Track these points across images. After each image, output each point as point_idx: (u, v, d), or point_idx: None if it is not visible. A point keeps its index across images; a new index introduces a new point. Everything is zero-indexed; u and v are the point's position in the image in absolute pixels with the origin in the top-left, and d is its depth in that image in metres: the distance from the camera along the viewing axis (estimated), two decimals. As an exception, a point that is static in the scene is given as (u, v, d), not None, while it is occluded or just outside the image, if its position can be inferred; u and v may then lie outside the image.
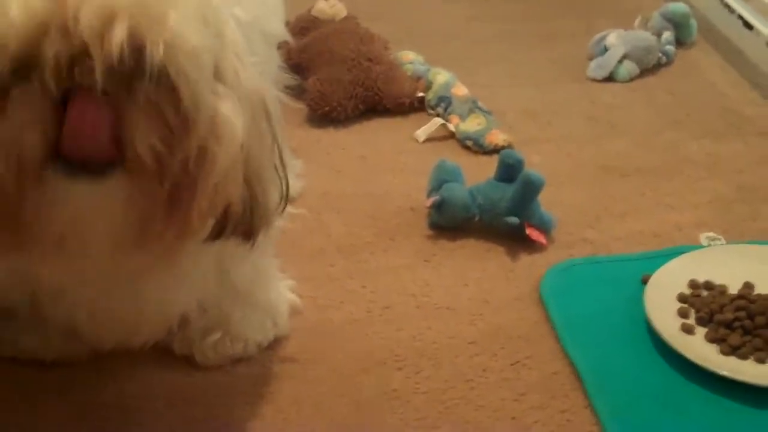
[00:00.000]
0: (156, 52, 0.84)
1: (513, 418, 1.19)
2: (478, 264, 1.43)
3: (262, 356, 1.26)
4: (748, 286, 1.36)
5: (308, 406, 1.19)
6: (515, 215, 1.45)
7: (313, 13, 1.91)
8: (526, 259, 1.44)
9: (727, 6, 2.01)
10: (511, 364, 1.26)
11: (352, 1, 1.98)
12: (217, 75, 0.92)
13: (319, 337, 1.29)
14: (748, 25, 1.93)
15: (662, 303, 1.32)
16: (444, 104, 1.77)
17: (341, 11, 1.92)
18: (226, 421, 1.17)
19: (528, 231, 1.45)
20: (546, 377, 1.25)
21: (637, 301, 1.32)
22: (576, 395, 1.22)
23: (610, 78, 1.93)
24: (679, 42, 2.04)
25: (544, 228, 1.47)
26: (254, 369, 1.24)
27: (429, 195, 1.50)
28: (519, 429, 1.17)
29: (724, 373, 1.21)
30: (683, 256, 1.40)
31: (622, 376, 1.24)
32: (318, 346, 1.28)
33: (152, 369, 1.22)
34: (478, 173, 1.55)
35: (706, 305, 1.31)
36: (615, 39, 1.94)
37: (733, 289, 1.35)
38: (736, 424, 1.18)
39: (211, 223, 0.97)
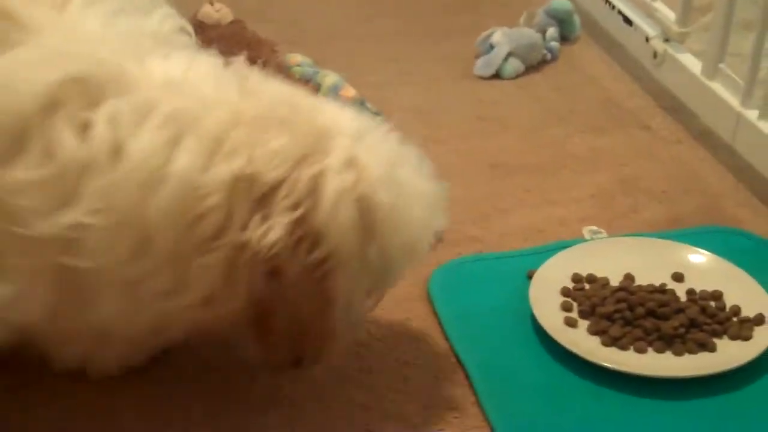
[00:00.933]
0: None
1: (402, 417, 1.20)
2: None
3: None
4: (628, 277, 1.40)
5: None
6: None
7: (199, 17, 1.90)
8: (414, 259, 1.46)
9: (608, 2, 2.05)
10: (400, 365, 1.28)
11: (239, 4, 1.98)
12: None
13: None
14: (628, 21, 1.98)
15: (546, 297, 1.35)
16: (333, 107, 1.77)
17: (227, 15, 1.91)
18: None
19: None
20: (435, 376, 1.27)
21: (523, 297, 1.35)
22: (464, 393, 1.24)
23: (497, 75, 1.96)
24: (564, 38, 2.08)
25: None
26: None
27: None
28: (408, 428, 1.19)
29: (606, 364, 1.25)
30: (566, 250, 1.44)
31: (509, 371, 1.27)
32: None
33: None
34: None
35: (588, 298, 1.35)
36: (500, 37, 1.97)
37: (615, 282, 1.38)
38: (618, 414, 1.22)
39: None
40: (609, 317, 1.32)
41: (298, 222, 1.02)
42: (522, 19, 2.07)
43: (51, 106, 1.00)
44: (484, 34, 2.02)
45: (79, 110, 1.00)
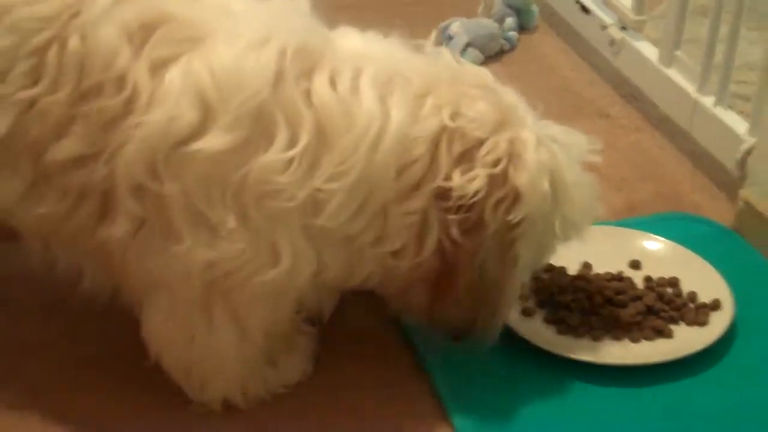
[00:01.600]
0: None
1: (357, 411, 1.20)
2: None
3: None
4: (586, 266, 1.39)
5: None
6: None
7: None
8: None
9: (566, -9, 2.06)
10: (357, 359, 1.27)
11: None
12: None
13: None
14: (585, 9, 1.98)
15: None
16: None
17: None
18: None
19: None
20: (392, 369, 1.26)
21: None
22: (421, 384, 1.24)
23: (456, 66, 1.95)
24: (522, 28, 2.07)
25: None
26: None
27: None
28: (361, 419, 1.19)
29: (563, 353, 1.25)
30: (524, 239, 1.43)
31: (467, 361, 1.26)
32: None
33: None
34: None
35: (546, 288, 1.35)
36: (458, 28, 1.97)
37: (572, 270, 1.38)
38: (577, 402, 1.22)
39: None
40: (567, 306, 1.32)
41: (499, 178, 1.10)
42: (480, 10, 2.07)
43: (276, 82, 1.05)
44: (442, 24, 2.01)
45: (299, 80, 1.07)
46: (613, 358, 1.25)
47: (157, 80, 1.04)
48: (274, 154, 1.05)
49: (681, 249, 1.41)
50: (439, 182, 1.09)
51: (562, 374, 1.25)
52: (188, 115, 1.03)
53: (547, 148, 1.14)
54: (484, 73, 1.18)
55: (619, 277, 1.36)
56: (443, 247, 1.12)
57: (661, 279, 1.37)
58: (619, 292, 1.33)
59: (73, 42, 1.05)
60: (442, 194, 1.10)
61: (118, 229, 1.07)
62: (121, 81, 1.04)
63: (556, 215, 1.14)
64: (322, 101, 1.06)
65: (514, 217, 1.10)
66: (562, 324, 1.30)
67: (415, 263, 1.13)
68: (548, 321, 1.31)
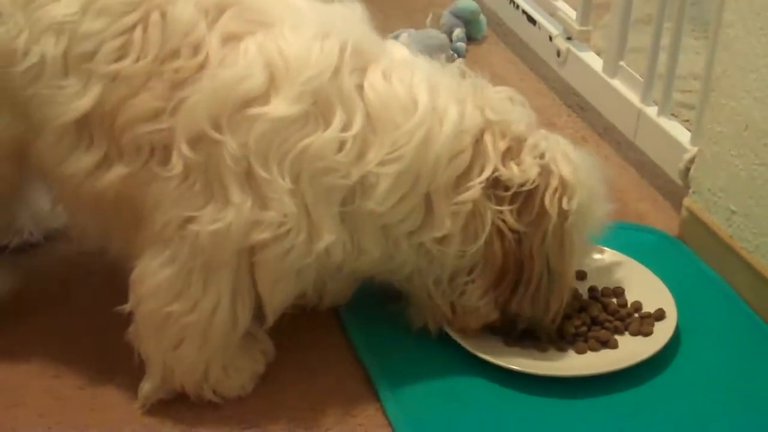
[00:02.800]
0: None
1: (306, 428, 1.19)
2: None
3: (49, 383, 1.23)
4: (532, 277, 1.40)
5: None
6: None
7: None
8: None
9: (512, 1, 2.06)
10: (302, 369, 1.27)
11: None
12: None
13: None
14: (532, 20, 1.99)
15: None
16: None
17: None
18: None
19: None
20: (338, 381, 1.26)
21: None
22: (367, 396, 1.24)
23: (404, 77, 1.95)
24: (470, 38, 2.08)
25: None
26: (42, 396, 1.21)
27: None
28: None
29: (508, 365, 1.25)
30: (470, 252, 1.43)
31: (412, 373, 1.26)
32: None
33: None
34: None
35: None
36: (406, 39, 1.97)
37: (518, 282, 1.38)
38: (523, 414, 1.22)
39: None
40: (512, 318, 1.32)
41: (548, 169, 1.20)
42: (428, 21, 2.07)
43: (336, 71, 1.14)
44: (391, 36, 2.01)
45: (354, 74, 1.15)
46: (558, 370, 1.25)
47: (228, 49, 1.13)
48: (332, 133, 1.12)
49: (625, 258, 1.42)
50: (491, 173, 1.18)
51: (509, 386, 1.25)
52: (258, 78, 1.11)
53: (571, 148, 1.25)
54: (511, 90, 1.28)
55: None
56: (502, 238, 1.19)
57: (606, 289, 1.38)
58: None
59: (155, 17, 1.14)
60: (496, 184, 1.18)
61: (168, 182, 1.13)
62: (196, 47, 1.13)
63: (595, 208, 1.25)
64: (376, 93, 1.15)
65: (570, 206, 1.19)
66: (507, 336, 1.30)
67: (461, 251, 1.19)
68: (495, 332, 1.30)
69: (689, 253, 1.50)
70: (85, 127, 1.15)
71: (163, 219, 1.14)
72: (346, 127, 1.13)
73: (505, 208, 1.19)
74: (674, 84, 1.64)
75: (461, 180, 1.18)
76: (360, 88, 1.16)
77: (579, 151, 1.26)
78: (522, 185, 1.18)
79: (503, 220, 1.19)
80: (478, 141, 1.19)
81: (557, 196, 1.20)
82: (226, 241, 1.12)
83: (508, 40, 2.10)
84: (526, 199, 1.19)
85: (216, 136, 1.11)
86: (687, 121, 1.68)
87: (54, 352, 1.27)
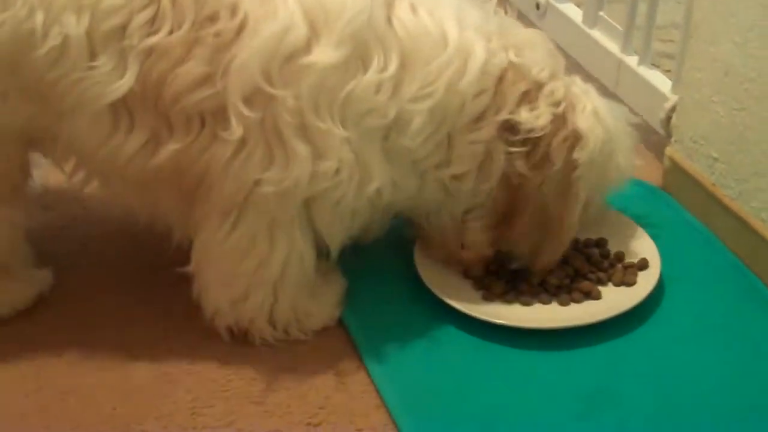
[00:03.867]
0: None
1: (287, 388, 1.18)
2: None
3: (25, 352, 1.22)
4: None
5: (75, 399, 1.16)
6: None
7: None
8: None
9: None
10: (283, 331, 1.25)
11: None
12: None
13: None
14: None
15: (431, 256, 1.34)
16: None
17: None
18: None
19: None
20: (319, 342, 1.25)
21: (409, 256, 1.33)
22: (349, 355, 1.23)
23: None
24: None
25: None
26: (20, 364, 1.20)
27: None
28: (294, 398, 1.17)
29: (491, 319, 1.24)
30: (451, 207, 1.42)
31: (394, 330, 1.25)
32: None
33: None
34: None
35: (474, 254, 1.34)
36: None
37: (500, 235, 1.37)
38: (508, 367, 1.21)
39: None
40: (494, 272, 1.31)
41: (561, 119, 1.20)
42: None
43: (370, 9, 1.13)
44: None
45: (383, 8, 1.15)
46: (542, 322, 1.25)
47: (266, 6, 1.12)
48: (372, 75, 1.13)
49: (608, 209, 1.41)
50: (506, 115, 1.18)
51: (489, 340, 1.24)
52: (301, 28, 1.11)
53: (598, 99, 1.25)
54: (539, 33, 1.28)
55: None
56: (509, 179, 1.20)
57: (588, 240, 1.36)
58: (546, 256, 1.32)
59: None
60: (510, 128, 1.19)
61: (225, 146, 1.12)
62: (234, 8, 1.12)
63: (611, 161, 1.25)
64: (405, 28, 1.15)
65: (579, 156, 1.20)
66: (488, 291, 1.29)
67: (475, 189, 1.22)
68: (476, 287, 1.29)
69: (672, 202, 1.49)
70: (122, 108, 1.13)
71: (229, 188, 1.14)
72: (383, 68, 1.14)
73: (515, 150, 1.19)
74: (654, 33, 1.62)
75: (479, 120, 1.19)
76: (389, 22, 1.15)
77: (610, 106, 1.27)
78: (530, 131, 1.19)
79: (512, 163, 1.20)
80: (500, 82, 1.19)
81: (567, 145, 1.20)
82: (292, 198, 1.14)
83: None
84: (534, 145, 1.20)
85: (270, 90, 1.11)
86: (668, 71, 1.67)
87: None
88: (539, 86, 1.21)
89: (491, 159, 1.21)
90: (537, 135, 1.19)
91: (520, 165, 1.20)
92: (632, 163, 1.30)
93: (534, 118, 1.19)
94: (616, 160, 1.26)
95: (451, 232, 1.28)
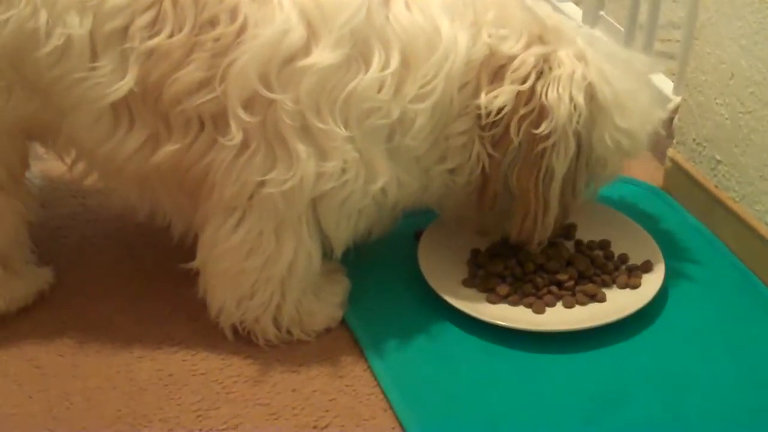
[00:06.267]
0: None
1: (293, 390, 1.18)
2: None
3: (27, 354, 1.20)
4: (518, 233, 1.38)
5: (79, 400, 1.15)
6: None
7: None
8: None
9: None
10: (287, 331, 1.24)
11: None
12: None
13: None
14: None
15: (435, 257, 1.33)
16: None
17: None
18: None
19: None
20: (325, 344, 1.24)
21: (412, 257, 1.33)
22: (355, 359, 1.22)
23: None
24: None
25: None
26: (23, 366, 1.19)
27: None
28: (299, 400, 1.17)
29: (496, 322, 1.24)
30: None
31: (401, 334, 1.25)
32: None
33: None
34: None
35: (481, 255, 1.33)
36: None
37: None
38: (514, 370, 1.21)
39: None
40: (499, 275, 1.31)
41: (525, 94, 1.17)
42: None
43: (368, 8, 1.12)
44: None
45: (381, 6, 1.14)
46: (547, 325, 1.24)
47: (264, 9, 1.11)
48: (373, 74, 1.13)
49: (611, 211, 1.41)
50: (477, 102, 1.18)
51: (494, 342, 1.24)
52: (299, 30, 1.11)
53: (590, 63, 1.20)
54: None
55: (550, 243, 1.35)
56: (483, 164, 1.21)
57: (592, 242, 1.36)
58: (550, 258, 1.32)
59: None
60: (478, 113, 1.18)
61: (226, 149, 1.13)
62: (233, 12, 1.11)
63: (602, 127, 1.21)
64: (402, 26, 1.14)
65: (542, 130, 1.17)
66: (493, 293, 1.28)
67: (467, 180, 1.23)
68: (482, 290, 1.29)
69: (674, 204, 1.49)
70: (122, 107, 1.13)
71: (231, 189, 1.14)
72: (384, 66, 1.13)
73: (485, 134, 1.20)
74: (656, 33, 1.62)
75: (462, 112, 1.19)
76: (387, 20, 1.14)
77: (623, 58, 1.24)
78: (490, 113, 1.18)
79: (484, 148, 1.20)
80: (480, 69, 1.19)
81: (528, 121, 1.18)
82: (297, 198, 1.14)
83: None
84: (496, 125, 1.19)
85: (268, 94, 1.10)
86: (668, 71, 1.67)
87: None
88: (509, 61, 1.19)
89: (473, 148, 1.21)
90: (499, 117, 1.18)
91: (489, 147, 1.20)
92: (647, 120, 1.25)
93: (491, 99, 1.18)
94: (617, 125, 1.21)
95: (464, 210, 1.30)
